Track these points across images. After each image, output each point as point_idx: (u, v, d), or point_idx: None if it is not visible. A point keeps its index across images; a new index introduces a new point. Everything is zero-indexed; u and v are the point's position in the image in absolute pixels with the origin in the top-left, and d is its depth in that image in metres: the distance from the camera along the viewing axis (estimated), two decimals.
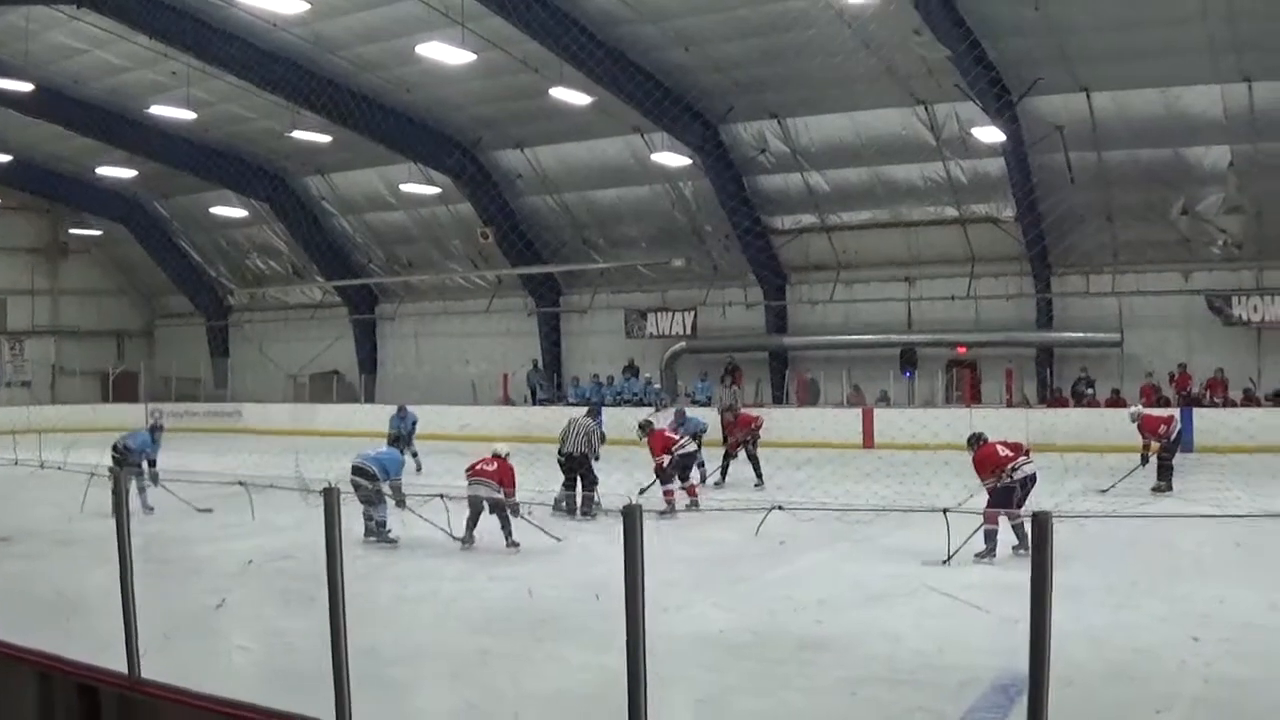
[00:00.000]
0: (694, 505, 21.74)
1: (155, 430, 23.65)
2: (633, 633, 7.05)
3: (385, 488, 18.68)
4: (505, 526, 17.84)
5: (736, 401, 34.65)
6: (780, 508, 10.54)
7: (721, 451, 27.16)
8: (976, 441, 17.59)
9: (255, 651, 12.89)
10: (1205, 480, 23.83)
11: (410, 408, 31.96)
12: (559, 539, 18.06)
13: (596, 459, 22.47)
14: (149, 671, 10.13)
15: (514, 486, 18.64)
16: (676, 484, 21.88)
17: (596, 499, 21.34)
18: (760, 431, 26.89)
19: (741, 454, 26.52)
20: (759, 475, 25.87)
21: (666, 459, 21.82)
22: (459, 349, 47.31)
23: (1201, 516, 17.63)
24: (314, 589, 8.82)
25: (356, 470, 19.04)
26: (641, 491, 21.91)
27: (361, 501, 18.45)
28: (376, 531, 18.34)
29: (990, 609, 12.21)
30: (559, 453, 22.27)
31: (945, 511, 10.70)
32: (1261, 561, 14.54)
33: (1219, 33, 28.25)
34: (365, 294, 51.58)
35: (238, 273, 54.94)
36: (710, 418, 30.41)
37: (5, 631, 11.53)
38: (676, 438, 22.89)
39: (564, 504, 20.91)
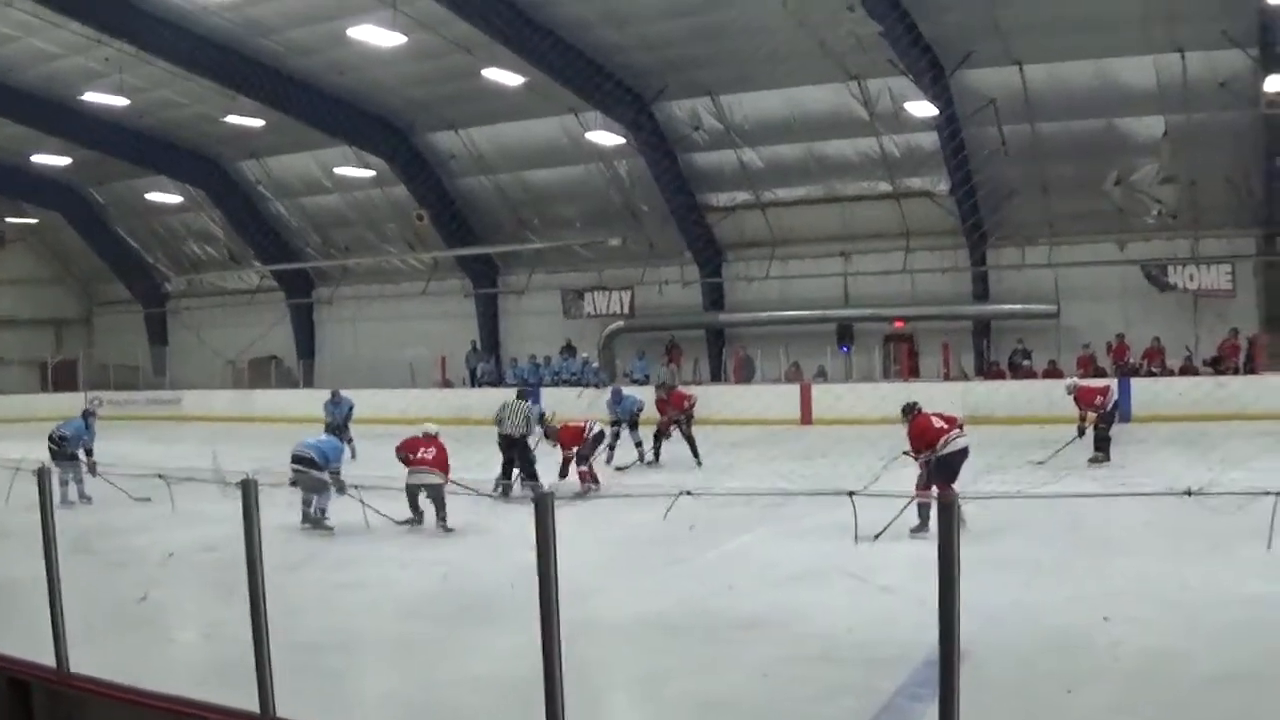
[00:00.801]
0: (592, 488, 21.63)
1: (88, 416, 23.17)
2: (547, 622, 7.01)
3: (325, 475, 18.43)
4: (441, 510, 17.95)
5: (673, 379, 34.42)
6: (689, 493, 9.66)
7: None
8: (911, 411, 17.34)
9: (186, 644, 12.74)
10: (1139, 452, 24.12)
11: (345, 393, 31.44)
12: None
13: (529, 435, 22.21)
14: (79, 665, 10.03)
15: (448, 468, 18.62)
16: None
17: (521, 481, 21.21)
18: (694, 410, 26.62)
19: (677, 434, 26.25)
20: (696, 455, 25.66)
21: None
22: (397, 332, 47.05)
23: (1111, 495, 17.49)
24: (241, 578, 8.54)
25: (297, 459, 18.77)
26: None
27: (305, 490, 18.35)
28: (314, 519, 18.11)
29: (902, 590, 12.39)
30: (498, 434, 22.11)
31: (851, 494, 9.63)
32: (1174, 537, 14.41)
33: (1152, 4, 28.36)
34: (302, 278, 51.23)
35: (175, 259, 54.48)
36: (648, 396, 30.19)
37: None
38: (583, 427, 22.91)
39: (499, 488, 20.88)
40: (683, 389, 28.76)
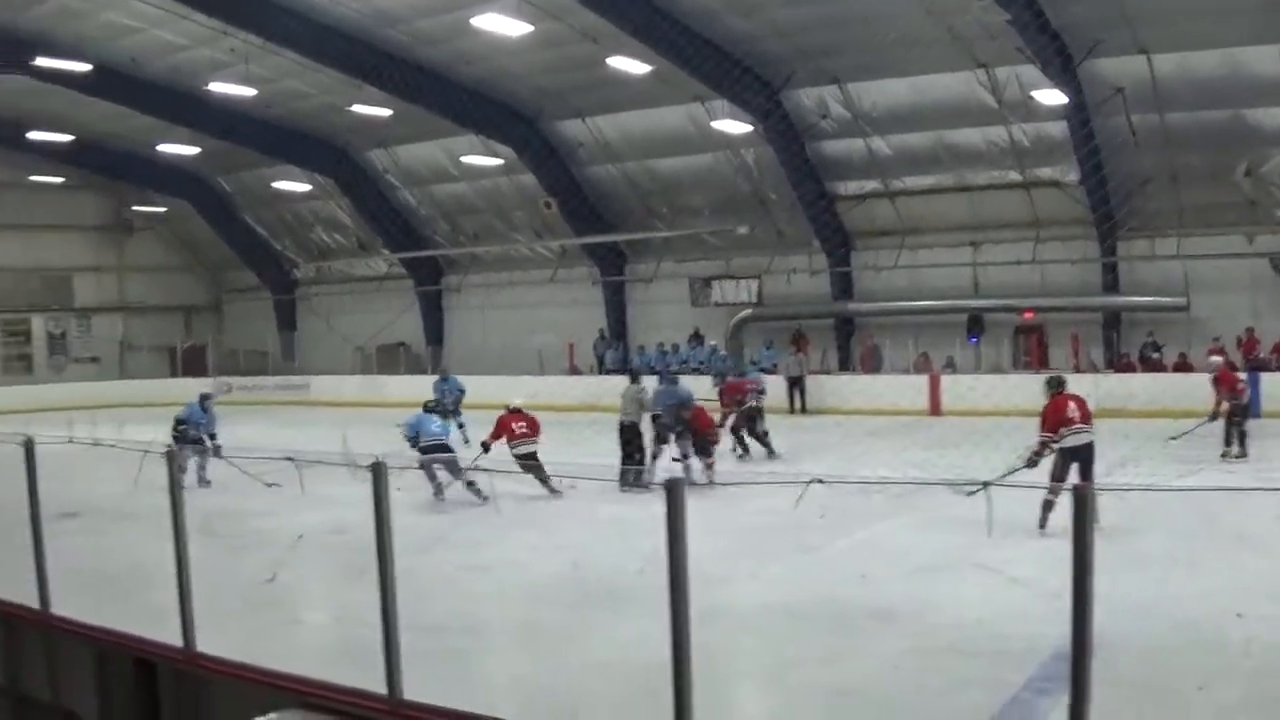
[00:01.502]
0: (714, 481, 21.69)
1: (204, 400, 24.08)
2: (677, 609, 7.54)
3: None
4: (542, 475, 20.27)
5: (800, 369, 35.67)
6: (821, 481, 10.23)
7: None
8: (1056, 386, 17.22)
9: (313, 625, 13.49)
10: (1274, 447, 24.12)
11: (459, 376, 32.73)
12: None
13: (640, 421, 22.81)
14: (205, 645, 10.94)
15: (540, 430, 21.66)
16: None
17: (648, 471, 21.52)
18: (757, 403, 26.21)
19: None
20: (769, 450, 25.65)
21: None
22: (525, 319, 48.03)
23: (1245, 490, 17.01)
24: (368, 561, 9.38)
25: (432, 449, 20.61)
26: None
27: (440, 472, 20.25)
28: (471, 490, 20.00)
29: (1035, 583, 12.50)
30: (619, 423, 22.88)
31: (985, 485, 10.45)
32: None
33: None
34: (431, 266, 52.53)
35: (303, 246, 56.11)
36: (774, 386, 31.14)
37: (67, 606, 12.65)
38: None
39: (628, 478, 21.29)
40: (744, 380, 27.84)
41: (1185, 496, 16.13)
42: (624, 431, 22.73)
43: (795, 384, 37.19)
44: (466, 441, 28.63)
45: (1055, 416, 16.62)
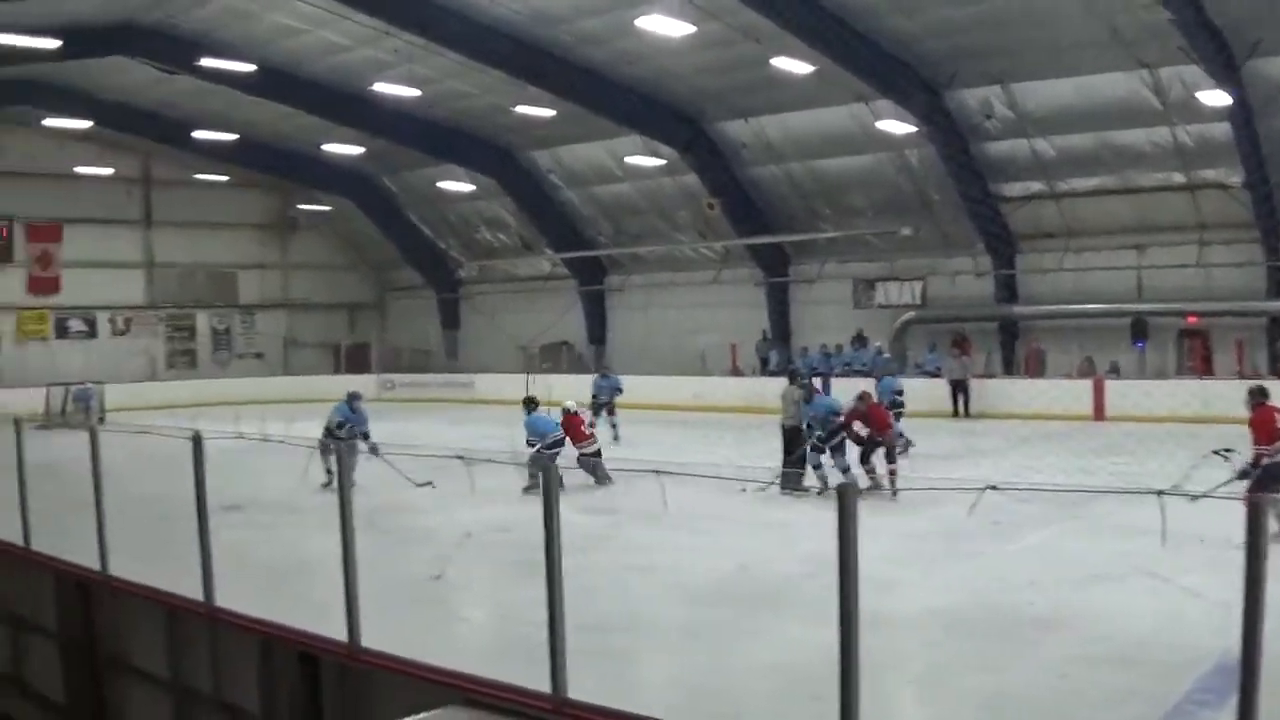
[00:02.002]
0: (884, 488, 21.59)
1: (353, 399, 24.69)
2: (846, 613, 7.80)
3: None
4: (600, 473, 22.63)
5: (964, 372, 36.63)
6: (995, 488, 10.75)
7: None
8: (1260, 397, 16.70)
9: (475, 622, 14.09)
10: None
11: (619, 375, 34.21)
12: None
13: (801, 424, 22.77)
14: (368, 640, 11.54)
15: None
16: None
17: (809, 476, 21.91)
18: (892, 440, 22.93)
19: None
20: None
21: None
22: (687, 320, 49.14)
23: None
24: (532, 560, 9.92)
25: (553, 445, 22.76)
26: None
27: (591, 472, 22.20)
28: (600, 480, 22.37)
29: (1207, 593, 12.11)
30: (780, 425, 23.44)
31: (1160, 494, 9.94)
32: None
33: None
34: (593, 266, 53.78)
35: (467, 246, 57.67)
36: (930, 392, 31.92)
37: (231, 599, 13.41)
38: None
39: (789, 481, 21.90)
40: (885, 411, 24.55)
41: None
42: (786, 434, 23.18)
43: (958, 387, 37.67)
44: (616, 439, 30.04)
45: (1265, 428, 16.26)
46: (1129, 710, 9.76)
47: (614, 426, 31.69)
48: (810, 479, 22.01)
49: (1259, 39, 31.29)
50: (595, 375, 34.77)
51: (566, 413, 23.92)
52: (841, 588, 7.79)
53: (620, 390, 33.39)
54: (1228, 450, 16.62)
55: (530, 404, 24.48)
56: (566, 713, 9.56)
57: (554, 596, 9.61)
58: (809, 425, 22.67)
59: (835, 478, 21.15)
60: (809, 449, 22.40)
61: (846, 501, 7.74)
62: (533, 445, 22.33)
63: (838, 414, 22.68)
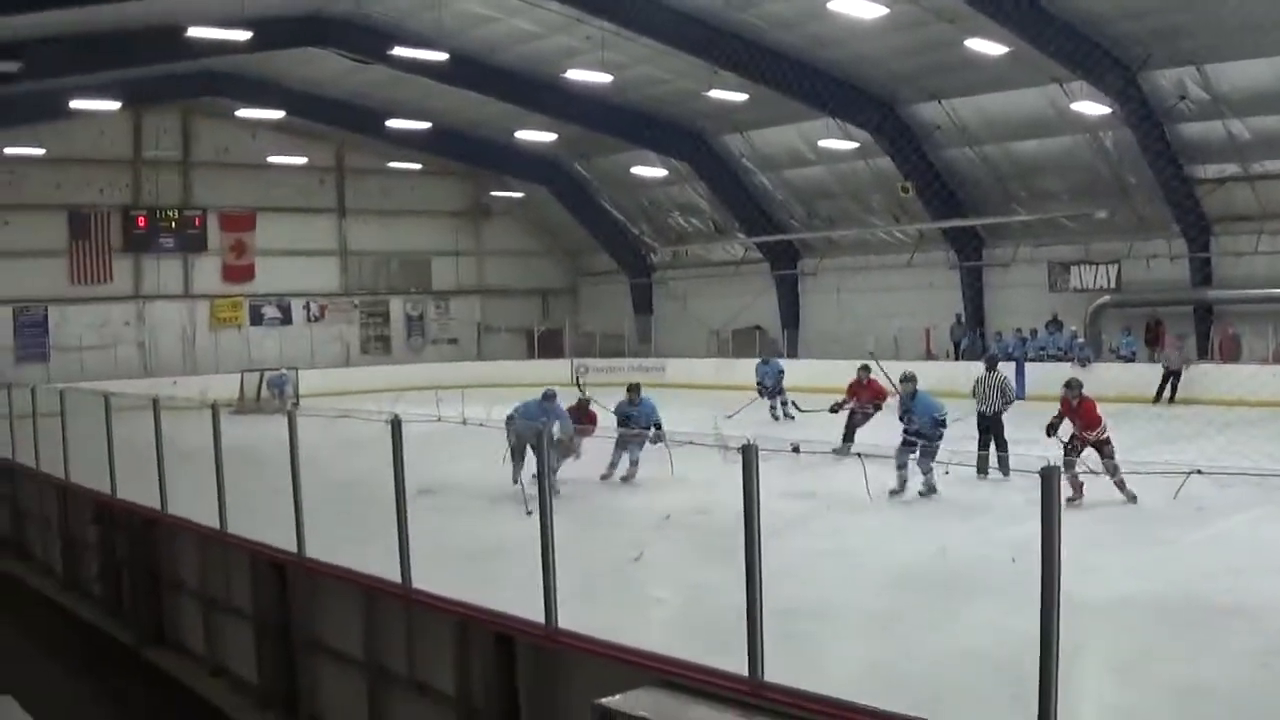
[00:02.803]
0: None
1: (547, 399, 22.88)
2: (1048, 599, 8.12)
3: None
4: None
5: (1178, 362, 37.37)
6: (1200, 472, 11.49)
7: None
8: None
9: (672, 604, 14.25)
10: None
11: (780, 360, 36.05)
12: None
13: (1004, 411, 23.27)
14: (565, 622, 12.03)
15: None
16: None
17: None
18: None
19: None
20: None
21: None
22: (880, 303, 49.82)
23: None
24: (729, 543, 10.25)
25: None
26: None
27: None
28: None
29: None
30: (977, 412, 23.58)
31: None
32: None
33: None
34: (786, 250, 54.69)
35: (660, 231, 59.15)
36: (1129, 375, 32.83)
37: (427, 580, 14.03)
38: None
39: (984, 465, 21.92)
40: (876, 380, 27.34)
41: None
42: (981, 420, 23.40)
43: (1173, 376, 37.73)
44: (788, 416, 31.54)
45: None
46: None
47: (783, 405, 33.11)
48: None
49: None
50: (758, 361, 36.29)
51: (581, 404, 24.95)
52: (1044, 573, 8.16)
53: (783, 373, 35.07)
54: None
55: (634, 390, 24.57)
56: (764, 695, 9.92)
57: (752, 580, 10.04)
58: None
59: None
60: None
61: (1049, 485, 8.07)
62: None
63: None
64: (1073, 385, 20.60)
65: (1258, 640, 11.38)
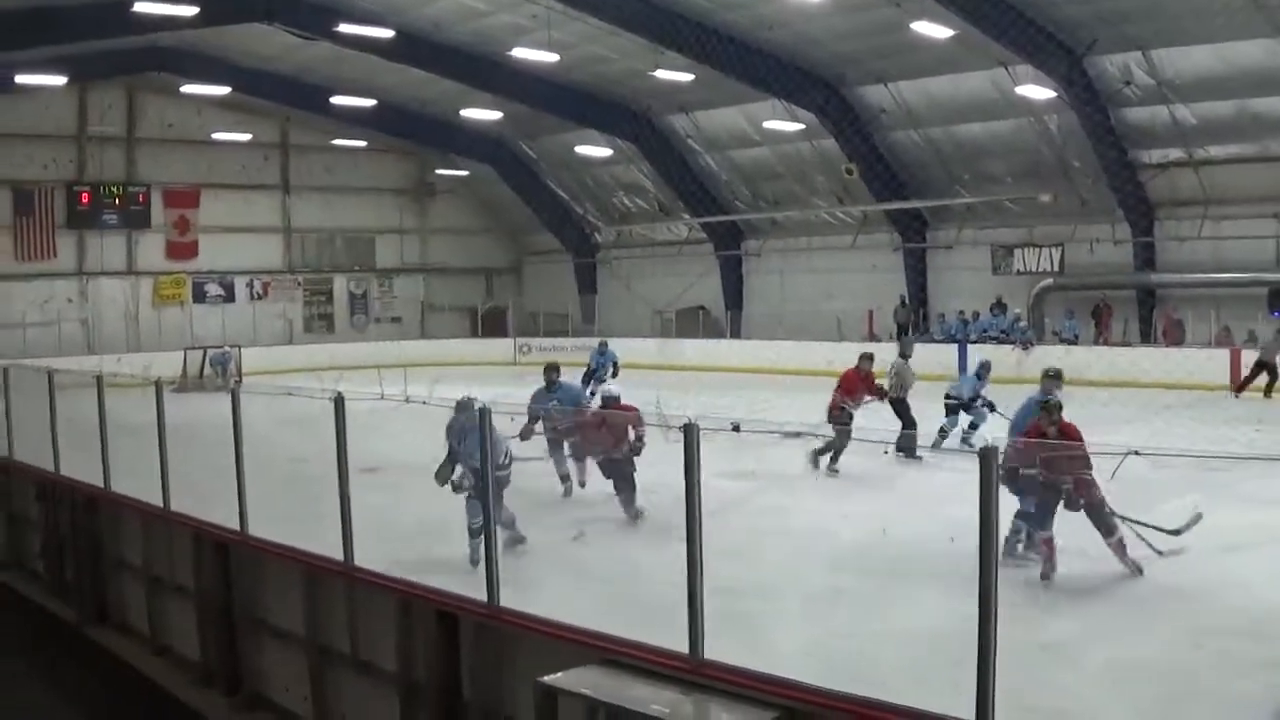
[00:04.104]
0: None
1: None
2: (985, 579, 8.23)
3: None
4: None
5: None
6: (1137, 453, 10.76)
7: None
8: None
9: (613, 583, 13.86)
10: None
11: (608, 342, 34.74)
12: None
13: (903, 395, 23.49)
14: (508, 600, 12.07)
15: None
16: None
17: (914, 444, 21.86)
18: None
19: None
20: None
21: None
22: (824, 285, 49.70)
23: None
24: (672, 522, 10.46)
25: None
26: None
27: None
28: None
29: None
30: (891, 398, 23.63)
31: None
32: None
33: None
34: (730, 231, 54.47)
35: (604, 211, 58.88)
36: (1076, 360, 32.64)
37: (370, 558, 14.01)
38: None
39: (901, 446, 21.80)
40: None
41: None
42: (894, 405, 23.51)
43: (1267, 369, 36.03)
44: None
45: None
46: (1265, 679, 9.82)
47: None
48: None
49: None
50: (594, 350, 34.38)
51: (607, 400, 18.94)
52: (981, 552, 8.26)
53: (617, 364, 33.12)
54: None
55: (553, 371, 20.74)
56: (704, 673, 10.05)
57: (693, 559, 10.12)
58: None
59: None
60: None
61: (987, 465, 8.10)
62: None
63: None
64: (1051, 408, 14.66)
65: (1194, 621, 11.57)
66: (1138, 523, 13.67)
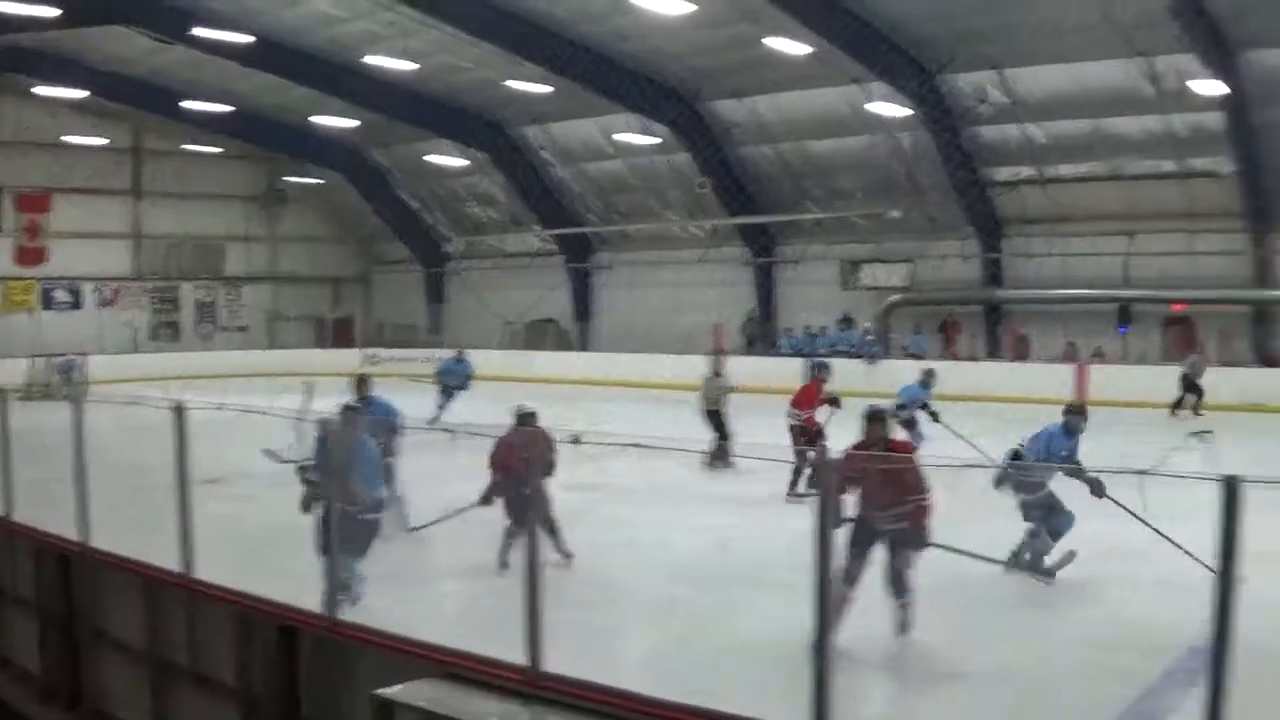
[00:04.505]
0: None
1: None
2: (822, 590, 8.16)
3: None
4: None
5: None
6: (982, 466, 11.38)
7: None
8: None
9: (454, 595, 14.21)
10: None
11: (468, 353, 33.54)
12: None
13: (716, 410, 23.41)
14: (350, 614, 11.78)
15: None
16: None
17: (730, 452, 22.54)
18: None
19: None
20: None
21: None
22: (674, 299, 49.07)
23: None
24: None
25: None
26: None
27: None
28: None
29: (1184, 575, 11.32)
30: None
31: (1141, 474, 9.94)
32: None
33: None
34: (582, 243, 53.84)
35: (456, 221, 57.85)
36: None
37: (210, 571, 13.35)
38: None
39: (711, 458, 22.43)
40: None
41: None
42: (711, 418, 23.48)
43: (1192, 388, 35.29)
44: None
45: None
46: (1105, 690, 10.00)
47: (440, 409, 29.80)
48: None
49: (1255, 29, 31.61)
50: (449, 359, 33.07)
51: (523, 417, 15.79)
52: (819, 563, 8.15)
53: (470, 376, 31.75)
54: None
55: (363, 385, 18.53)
56: (541, 685, 9.77)
57: (534, 570, 9.88)
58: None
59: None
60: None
61: (824, 477, 8.22)
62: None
63: None
64: (875, 417, 12.42)
65: (1039, 629, 11.89)
66: (964, 553, 12.97)
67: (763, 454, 18.98)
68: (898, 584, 11.63)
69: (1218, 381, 32.71)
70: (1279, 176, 35.58)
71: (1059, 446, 14.16)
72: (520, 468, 13.76)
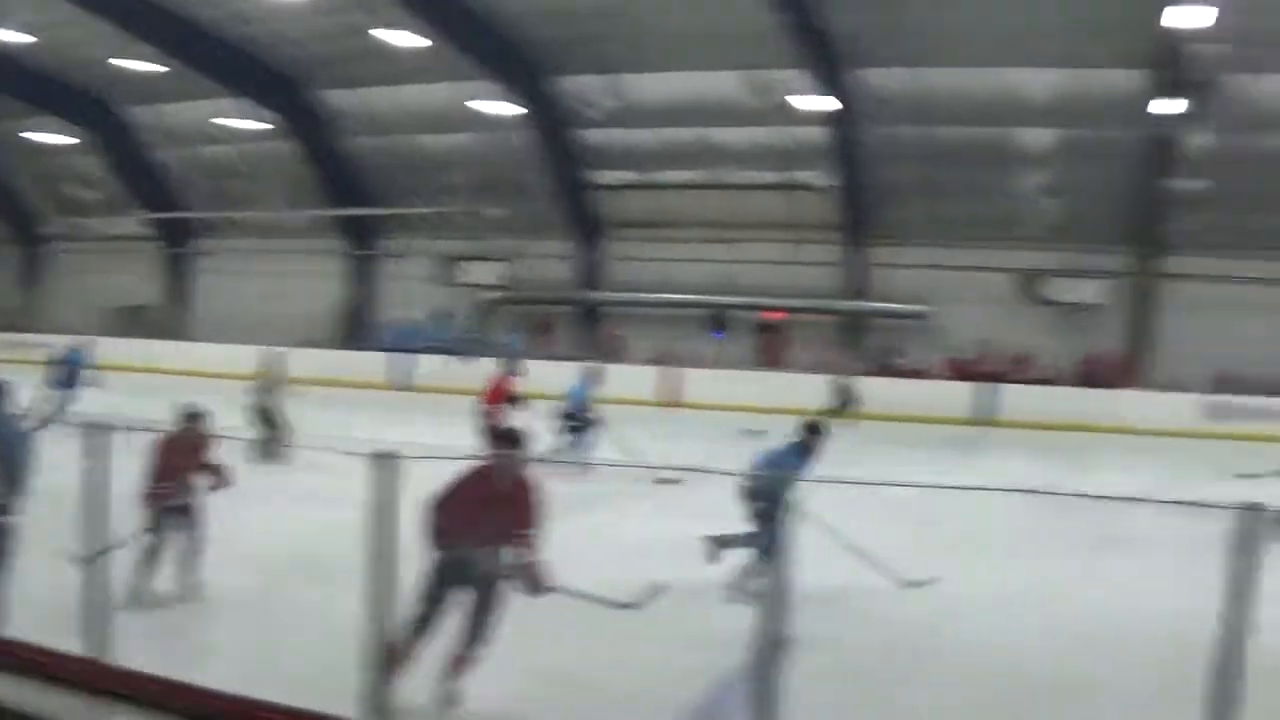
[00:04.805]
0: None
1: None
2: (379, 580, 8.05)
3: None
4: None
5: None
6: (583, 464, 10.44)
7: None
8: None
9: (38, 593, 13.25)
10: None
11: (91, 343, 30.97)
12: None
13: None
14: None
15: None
16: None
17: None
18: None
19: None
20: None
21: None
22: (273, 288, 48.33)
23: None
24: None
25: None
26: None
27: None
28: None
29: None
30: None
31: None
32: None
33: (1055, 19, 30.27)
34: (184, 229, 52.43)
35: (55, 201, 55.57)
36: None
37: None
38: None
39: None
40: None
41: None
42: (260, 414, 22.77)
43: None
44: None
45: None
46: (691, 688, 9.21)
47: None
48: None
49: (869, 49, 32.97)
50: (70, 348, 28.70)
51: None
52: (375, 553, 7.99)
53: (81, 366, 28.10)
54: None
55: None
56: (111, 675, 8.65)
57: (105, 556, 9.55)
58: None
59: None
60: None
61: (385, 470, 7.66)
62: None
63: None
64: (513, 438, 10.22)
65: (628, 630, 10.68)
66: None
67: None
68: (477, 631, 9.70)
69: (808, 388, 33.13)
70: (878, 192, 37.11)
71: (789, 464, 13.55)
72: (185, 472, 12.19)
